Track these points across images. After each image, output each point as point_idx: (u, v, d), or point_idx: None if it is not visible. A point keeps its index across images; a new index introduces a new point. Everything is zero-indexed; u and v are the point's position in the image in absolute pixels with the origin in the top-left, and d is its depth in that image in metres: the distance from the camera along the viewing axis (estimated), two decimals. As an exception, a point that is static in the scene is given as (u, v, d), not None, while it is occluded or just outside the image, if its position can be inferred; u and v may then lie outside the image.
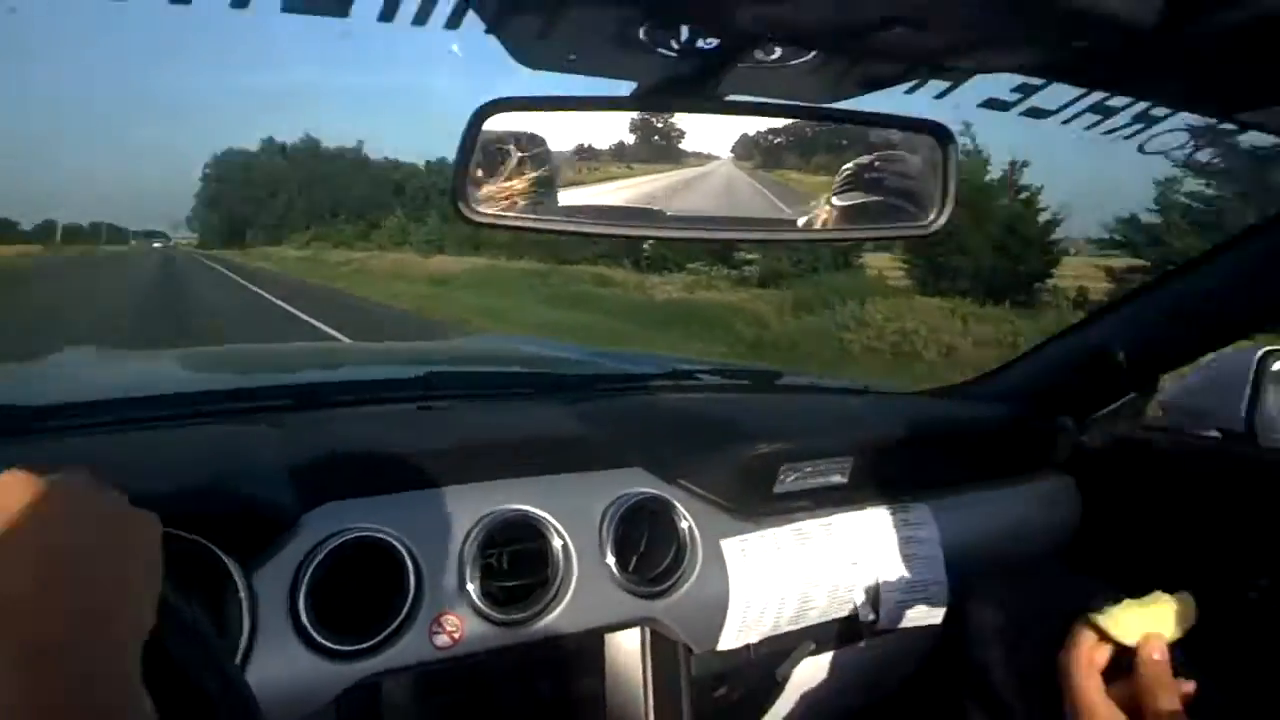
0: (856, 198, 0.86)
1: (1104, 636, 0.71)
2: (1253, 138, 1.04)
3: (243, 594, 0.78)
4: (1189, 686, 0.70)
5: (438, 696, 0.86)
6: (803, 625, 1.08)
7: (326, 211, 78.24)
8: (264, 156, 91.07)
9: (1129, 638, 0.71)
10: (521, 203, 0.78)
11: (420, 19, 0.64)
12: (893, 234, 0.97)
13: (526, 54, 0.77)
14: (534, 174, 0.78)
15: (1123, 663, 0.71)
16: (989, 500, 1.28)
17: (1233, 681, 1.10)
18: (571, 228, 0.86)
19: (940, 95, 1.02)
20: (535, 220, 0.80)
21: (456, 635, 0.85)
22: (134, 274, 29.75)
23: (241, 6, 0.63)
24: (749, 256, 17.51)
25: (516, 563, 0.91)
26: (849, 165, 0.86)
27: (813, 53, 0.80)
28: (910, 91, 0.99)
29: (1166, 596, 0.74)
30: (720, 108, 0.82)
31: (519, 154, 0.78)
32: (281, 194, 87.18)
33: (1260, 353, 1.36)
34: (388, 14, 0.63)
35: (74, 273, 30.72)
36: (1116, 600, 0.74)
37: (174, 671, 0.47)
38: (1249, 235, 1.20)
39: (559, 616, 0.90)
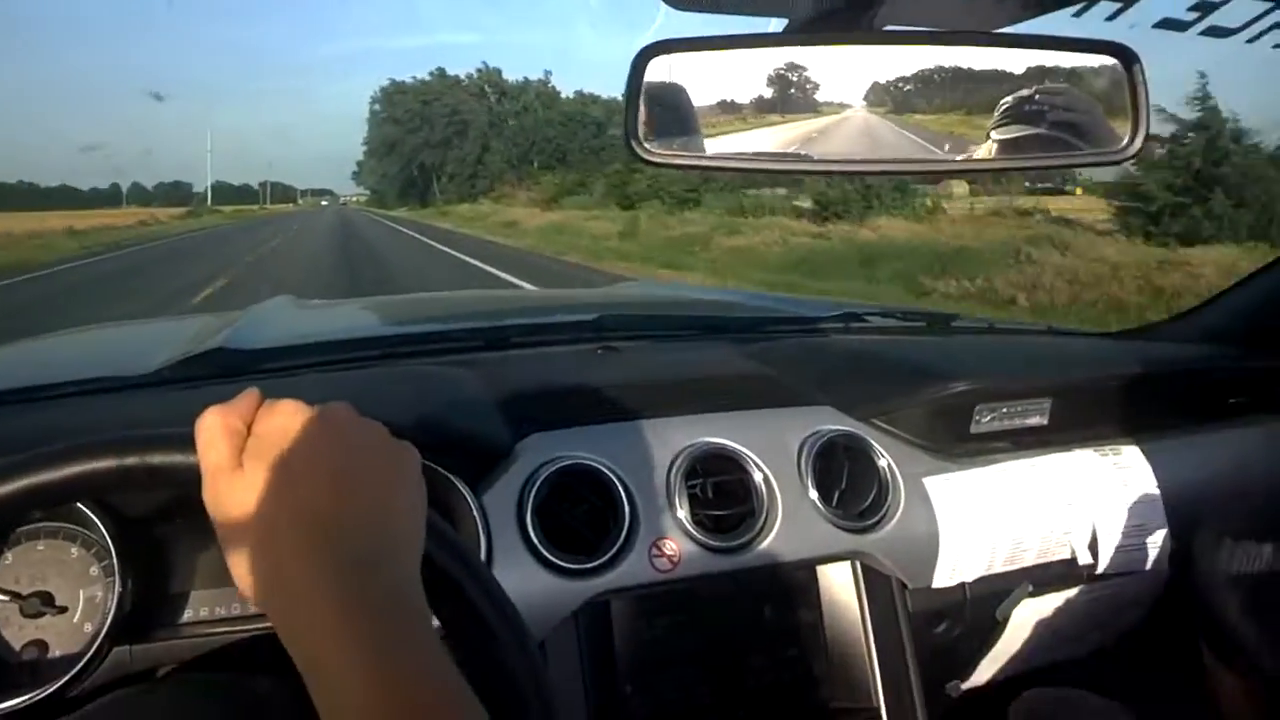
0: (1021, 130, 0.85)
1: None
2: None
3: (476, 515, 0.84)
4: None
5: (662, 617, 0.89)
6: (1018, 566, 1.05)
7: (517, 158, 61.79)
8: (441, 89, 69.89)
9: None
10: (689, 142, 0.82)
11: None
12: (1083, 160, 0.93)
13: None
14: (699, 115, 0.82)
15: None
16: (1204, 444, 1.21)
17: None
18: (738, 165, 0.90)
19: (1111, 17, 1.01)
20: (704, 160, 0.85)
21: (675, 559, 0.89)
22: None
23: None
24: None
25: (720, 494, 0.94)
26: (1008, 98, 0.84)
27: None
28: (1078, 14, 0.99)
29: None
30: (879, 38, 0.80)
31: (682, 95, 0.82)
32: (471, 134, 67.04)
33: None
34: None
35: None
36: None
37: (447, 585, 0.50)
38: None
39: (770, 545, 0.92)
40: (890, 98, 0.83)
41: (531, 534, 0.85)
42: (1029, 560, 1.06)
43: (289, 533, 0.44)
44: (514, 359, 1.19)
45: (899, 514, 0.99)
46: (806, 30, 0.82)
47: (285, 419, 0.47)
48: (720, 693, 0.90)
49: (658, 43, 0.79)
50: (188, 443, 0.48)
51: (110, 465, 0.49)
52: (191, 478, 0.47)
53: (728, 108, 0.83)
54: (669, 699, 0.88)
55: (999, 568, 1.04)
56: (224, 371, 1.06)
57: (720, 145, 0.83)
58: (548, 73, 79.19)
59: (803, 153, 0.83)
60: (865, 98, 0.82)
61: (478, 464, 0.90)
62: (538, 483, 0.88)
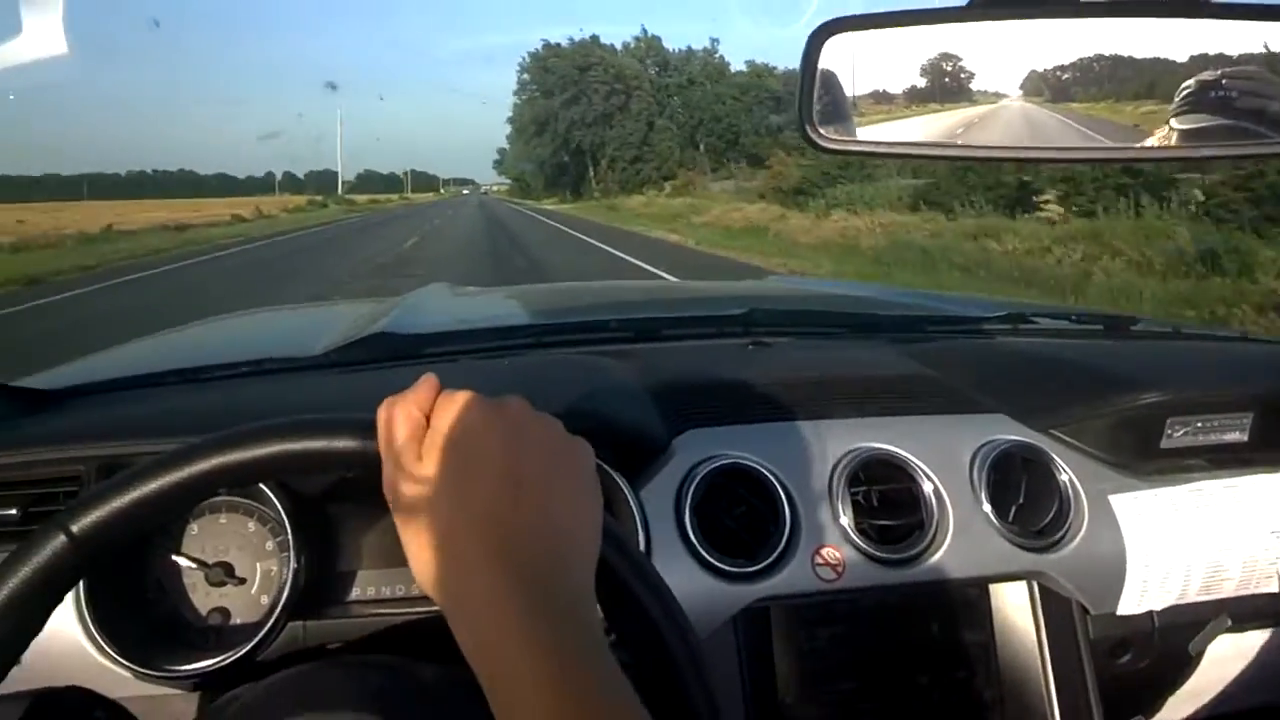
0: (1204, 119, 0.76)
1: None
2: None
3: (635, 512, 0.83)
4: None
5: (823, 628, 0.85)
6: (1215, 597, 0.96)
7: (684, 139, 51.38)
8: (601, 55, 55.53)
9: None
10: (866, 126, 0.79)
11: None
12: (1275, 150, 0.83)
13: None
14: (870, 100, 0.79)
15: None
16: None
17: None
18: (910, 153, 0.86)
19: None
20: (878, 147, 0.81)
21: (839, 569, 0.85)
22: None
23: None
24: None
25: (886, 503, 0.89)
26: (1190, 82, 0.76)
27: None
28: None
29: None
30: (1065, 11, 0.74)
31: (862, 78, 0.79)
32: (634, 108, 53.42)
33: None
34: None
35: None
36: None
37: (621, 591, 0.49)
38: None
39: (940, 560, 0.87)
40: (1064, 83, 0.78)
41: (690, 534, 0.83)
42: (1227, 591, 0.96)
43: (469, 539, 0.43)
44: (664, 351, 1.17)
45: (1081, 533, 0.91)
46: (986, 5, 0.78)
47: (463, 412, 0.46)
48: (884, 711, 0.85)
49: (832, 21, 0.76)
50: (370, 429, 0.48)
51: (298, 448, 0.50)
52: (372, 463, 0.48)
53: (909, 93, 0.79)
54: (830, 713, 0.84)
55: (1193, 597, 0.95)
56: (386, 355, 1.09)
57: (889, 132, 0.80)
58: (714, 41, 61.33)
59: (971, 140, 0.79)
60: (1044, 80, 0.77)
61: (635, 458, 0.88)
62: (695, 481, 0.85)
